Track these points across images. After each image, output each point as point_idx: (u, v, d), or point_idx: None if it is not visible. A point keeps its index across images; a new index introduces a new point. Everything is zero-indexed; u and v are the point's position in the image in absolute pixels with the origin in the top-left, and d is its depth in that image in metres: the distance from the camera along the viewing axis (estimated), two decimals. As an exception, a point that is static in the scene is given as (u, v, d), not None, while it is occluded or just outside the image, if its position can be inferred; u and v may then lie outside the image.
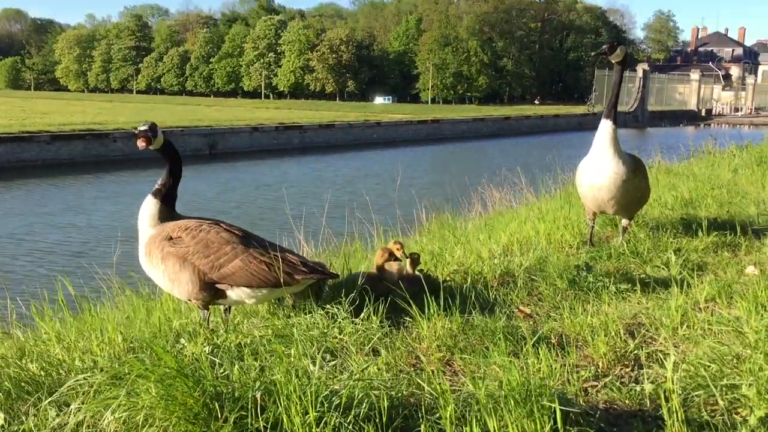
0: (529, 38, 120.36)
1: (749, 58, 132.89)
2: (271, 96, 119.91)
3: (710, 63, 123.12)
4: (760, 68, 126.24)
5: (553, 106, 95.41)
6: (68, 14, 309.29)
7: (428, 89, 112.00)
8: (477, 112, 76.44)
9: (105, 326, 3.82)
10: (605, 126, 5.72)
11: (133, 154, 36.42)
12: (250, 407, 2.63)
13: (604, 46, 5.99)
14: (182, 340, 3.67)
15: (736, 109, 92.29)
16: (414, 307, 3.87)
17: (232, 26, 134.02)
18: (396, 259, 4.45)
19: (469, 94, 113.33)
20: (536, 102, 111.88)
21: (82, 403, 2.88)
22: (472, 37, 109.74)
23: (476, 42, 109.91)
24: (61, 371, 3.42)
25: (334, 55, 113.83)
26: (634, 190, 5.81)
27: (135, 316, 4.35)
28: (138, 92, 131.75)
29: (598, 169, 5.78)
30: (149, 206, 4.10)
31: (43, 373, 3.40)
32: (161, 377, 2.68)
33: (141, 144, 4.10)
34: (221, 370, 3.06)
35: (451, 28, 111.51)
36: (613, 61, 5.96)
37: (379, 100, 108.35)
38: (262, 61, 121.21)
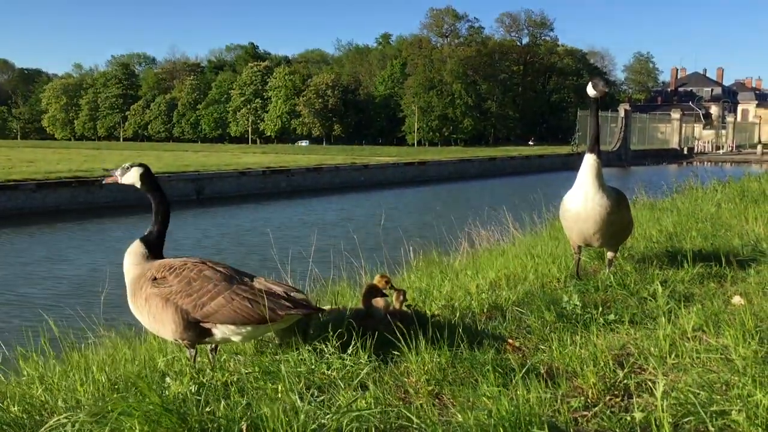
0: (512, 81, 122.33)
1: (728, 97, 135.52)
2: (258, 141, 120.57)
3: (690, 102, 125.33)
4: (739, 107, 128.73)
5: (538, 147, 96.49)
6: (55, 64, 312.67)
7: (414, 132, 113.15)
8: (462, 153, 77.13)
9: (89, 366, 3.77)
10: (588, 159, 5.79)
11: (120, 201, 36.37)
12: (236, 442, 2.59)
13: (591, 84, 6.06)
14: (167, 379, 3.62)
15: (717, 147, 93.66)
16: (402, 341, 3.86)
17: (219, 73, 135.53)
18: (383, 294, 4.44)
19: (454, 136, 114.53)
20: (531, 143, 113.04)
21: (65, 444, 2.83)
22: (456, 80, 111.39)
23: (460, 85, 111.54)
24: (43, 412, 3.36)
25: (320, 100, 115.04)
26: (618, 222, 5.85)
27: (119, 357, 4.29)
28: (125, 139, 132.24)
29: (582, 201, 5.81)
30: (135, 248, 4.08)
31: (25, 415, 3.34)
32: (145, 414, 2.64)
33: (108, 181, 4.27)
34: (207, 408, 3.02)
35: (435, 72, 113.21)
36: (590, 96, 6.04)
37: (301, 143, 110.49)
38: (248, 106, 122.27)
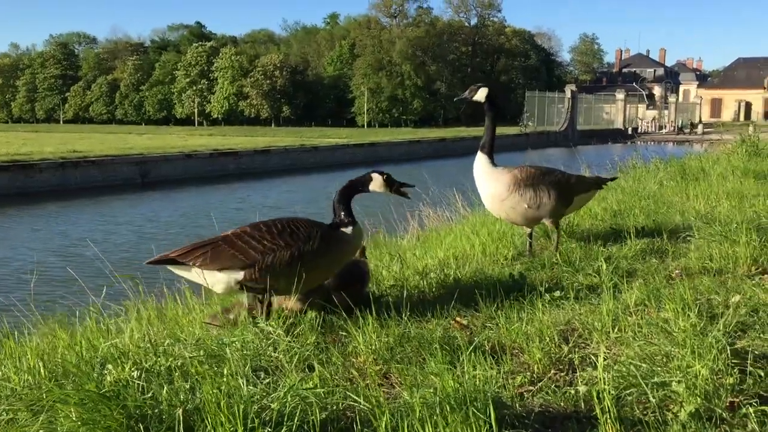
0: (461, 62, 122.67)
1: (670, 78, 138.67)
2: (205, 123, 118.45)
3: (634, 83, 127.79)
4: (681, 87, 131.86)
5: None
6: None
7: (364, 113, 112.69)
8: (413, 134, 77.21)
9: (24, 354, 3.63)
10: (477, 158, 6.18)
11: (59, 186, 35.31)
12: (177, 427, 2.52)
13: (465, 92, 6.34)
14: (109, 366, 3.52)
15: (661, 127, 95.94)
16: (349, 321, 3.83)
17: (163, 54, 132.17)
18: None
19: (404, 117, 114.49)
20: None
21: (-2, 435, 2.72)
22: (405, 61, 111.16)
23: (410, 66, 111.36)
24: (-26, 404, 3.22)
25: (268, 81, 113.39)
26: (519, 203, 6.08)
27: (58, 344, 4.15)
28: (65, 122, 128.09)
29: (481, 194, 6.32)
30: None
31: (-46, 407, 3.19)
32: (82, 401, 2.55)
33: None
34: (149, 393, 2.94)
35: (384, 53, 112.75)
36: (481, 102, 6.22)
37: None
38: (194, 88, 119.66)
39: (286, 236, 4.12)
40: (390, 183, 4.59)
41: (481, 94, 6.20)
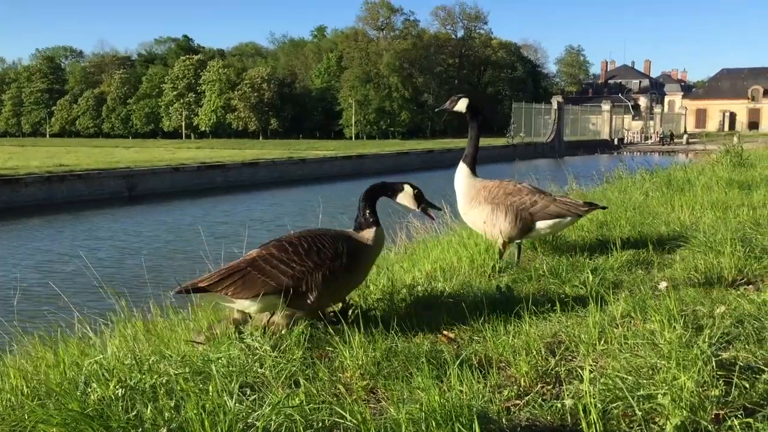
0: (448, 74, 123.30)
1: (655, 89, 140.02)
2: (193, 136, 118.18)
3: (620, 94, 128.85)
4: (666, 98, 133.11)
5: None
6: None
7: (351, 125, 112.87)
8: (400, 146, 77.35)
9: (6, 372, 3.59)
10: (458, 168, 6.28)
11: (44, 201, 35.06)
12: (161, 447, 2.50)
13: (446, 103, 6.40)
14: (93, 384, 3.48)
15: (646, 138, 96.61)
16: (336, 336, 3.82)
17: (150, 67, 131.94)
18: None
19: (392, 129, 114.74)
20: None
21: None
22: (392, 73, 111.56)
23: (397, 78, 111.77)
24: (-45, 425, 3.18)
25: (255, 94, 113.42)
26: (479, 218, 6.21)
27: (40, 362, 4.11)
28: (52, 135, 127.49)
29: (460, 208, 6.42)
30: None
31: (-64, 427, 3.15)
32: (64, 421, 2.52)
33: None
34: (133, 412, 2.91)
35: (371, 65, 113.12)
36: (462, 112, 6.27)
37: None
38: (181, 101, 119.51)
39: (314, 256, 4.11)
40: (419, 199, 4.62)
41: (461, 105, 6.23)
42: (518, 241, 6.34)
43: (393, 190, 4.61)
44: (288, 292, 4.03)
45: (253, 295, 4.01)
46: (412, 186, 4.62)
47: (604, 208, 6.64)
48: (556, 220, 6.21)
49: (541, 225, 6.20)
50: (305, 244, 4.16)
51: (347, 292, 4.47)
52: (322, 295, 4.12)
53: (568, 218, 6.27)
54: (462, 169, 6.20)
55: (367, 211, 4.47)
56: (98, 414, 2.61)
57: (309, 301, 4.11)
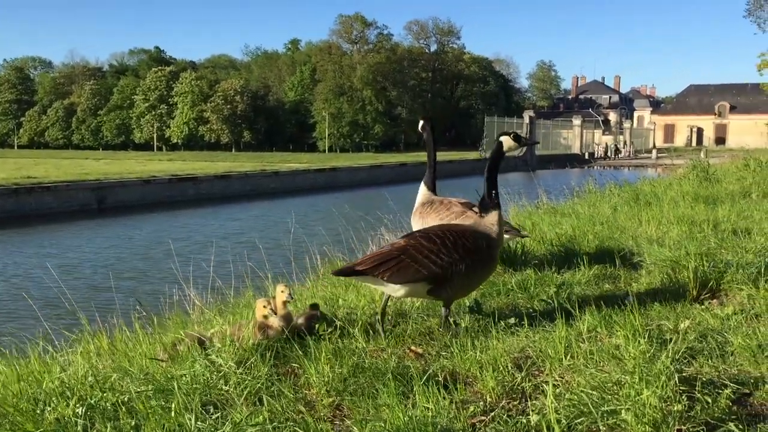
0: (421, 87, 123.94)
1: (625, 104, 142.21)
2: (164, 148, 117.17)
3: (590, 109, 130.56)
4: (635, 113, 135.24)
5: (447, 153, 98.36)
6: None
7: (325, 138, 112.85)
8: (374, 159, 77.46)
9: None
10: (419, 189, 6.50)
11: (14, 212, 34.48)
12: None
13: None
14: (53, 403, 3.40)
15: (617, 152, 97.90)
16: (300, 352, 3.78)
17: (121, 78, 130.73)
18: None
19: (365, 142, 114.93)
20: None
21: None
22: (366, 86, 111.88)
23: (371, 91, 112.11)
24: None
25: (228, 106, 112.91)
26: None
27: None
28: (20, 147, 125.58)
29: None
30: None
31: None
32: (18, 443, 2.45)
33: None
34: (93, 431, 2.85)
35: (345, 78, 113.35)
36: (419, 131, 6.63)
37: None
38: (153, 113, 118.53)
39: (460, 249, 4.45)
40: (518, 140, 4.94)
41: (419, 125, 6.62)
42: None
43: (499, 152, 4.91)
44: (434, 281, 4.37)
45: (406, 281, 4.32)
46: (505, 134, 4.94)
47: (525, 236, 6.95)
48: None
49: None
50: (452, 237, 4.49)
51: (479, 285, 4.88)
52: (461, 286, 4.52)
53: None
54: (420, 190, 6.48)
55: (493, 191, 4.77)
56: (55, 435, 2.54)
57: (448, 292, 4.48)
